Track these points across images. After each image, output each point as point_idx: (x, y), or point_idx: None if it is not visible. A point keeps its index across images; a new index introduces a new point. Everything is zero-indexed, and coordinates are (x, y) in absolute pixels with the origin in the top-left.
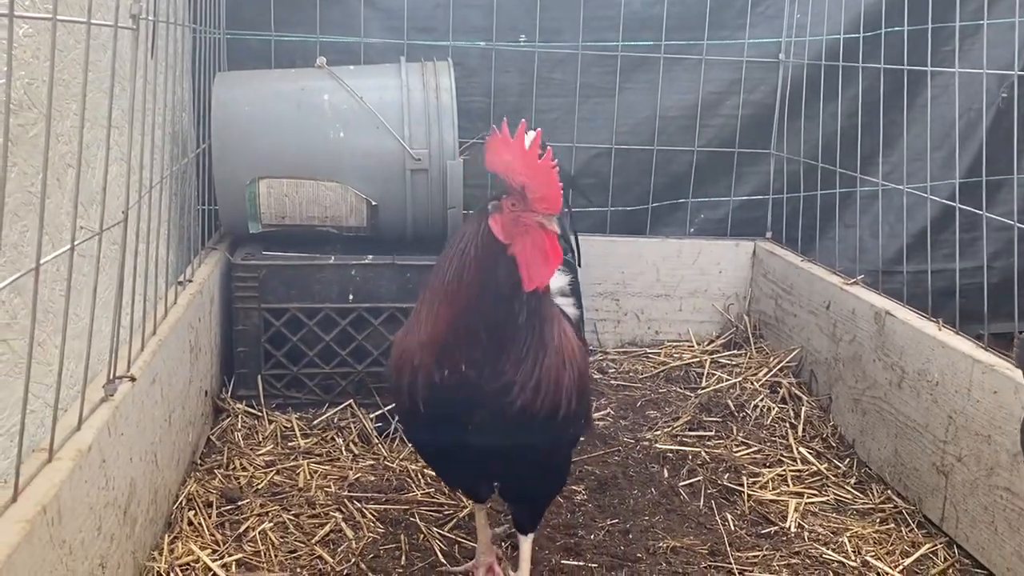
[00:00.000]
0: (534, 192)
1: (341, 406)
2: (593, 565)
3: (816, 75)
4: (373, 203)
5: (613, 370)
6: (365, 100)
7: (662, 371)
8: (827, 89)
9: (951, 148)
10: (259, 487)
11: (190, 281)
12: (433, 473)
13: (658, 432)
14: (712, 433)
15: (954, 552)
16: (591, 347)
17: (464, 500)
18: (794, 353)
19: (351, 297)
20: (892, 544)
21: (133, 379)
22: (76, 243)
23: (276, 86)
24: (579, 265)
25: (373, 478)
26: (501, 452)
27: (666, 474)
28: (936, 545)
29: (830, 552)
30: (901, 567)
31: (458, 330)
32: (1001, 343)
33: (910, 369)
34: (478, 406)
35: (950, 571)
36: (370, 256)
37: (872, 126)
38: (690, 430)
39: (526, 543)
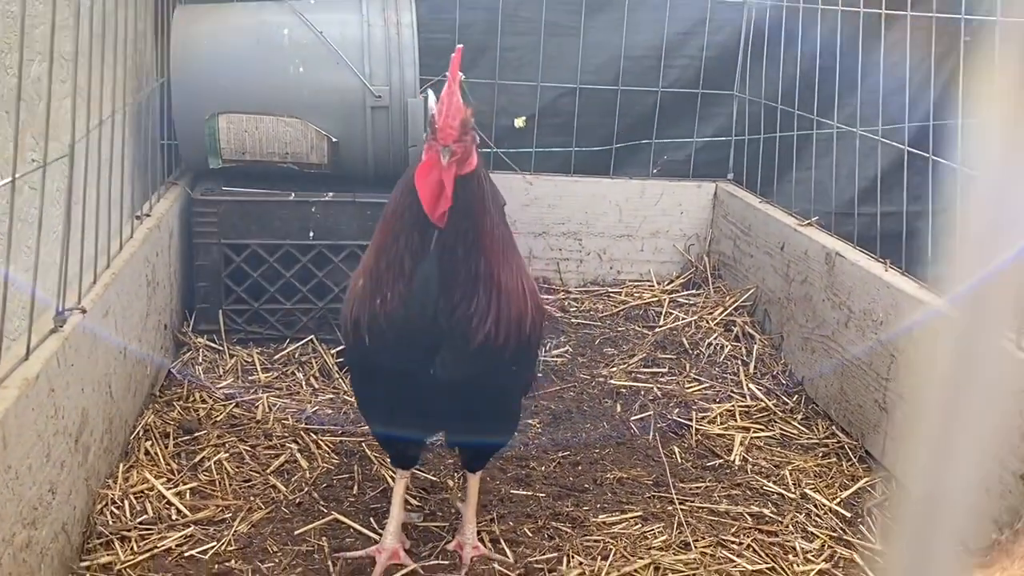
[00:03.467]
0: (435, 121)
1: (302, 341)
2: (541, 495)
3: (779, 17)
4: (334, 140)
5: (574, 308)
6: (325, 35)
7: (622, 310)
8: (790, 31)
9: (912, 93)
10: (218, 419)
11: (148, 216)
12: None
13: (614, 369)
14: (665, 370)
15: (892, 486)
16: (552, 286)
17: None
18: (749, 293)
19: (311, 234)
20: (832, 477)
21: (84, 311)
22: (17, 176)
23: (236, 20)
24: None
25: (331, 411)
26: (460, 391)
27: (619, 409)
28: (875, 479)
29: (771, 484)
30: (839, 499)
31: (385, 259)
32: None
33: (857, 308)
34: (436, 343)
35: (887, 503)
36: (331, 193)
37: (833, 70)
38: (644, 367)
39: (474, 479)
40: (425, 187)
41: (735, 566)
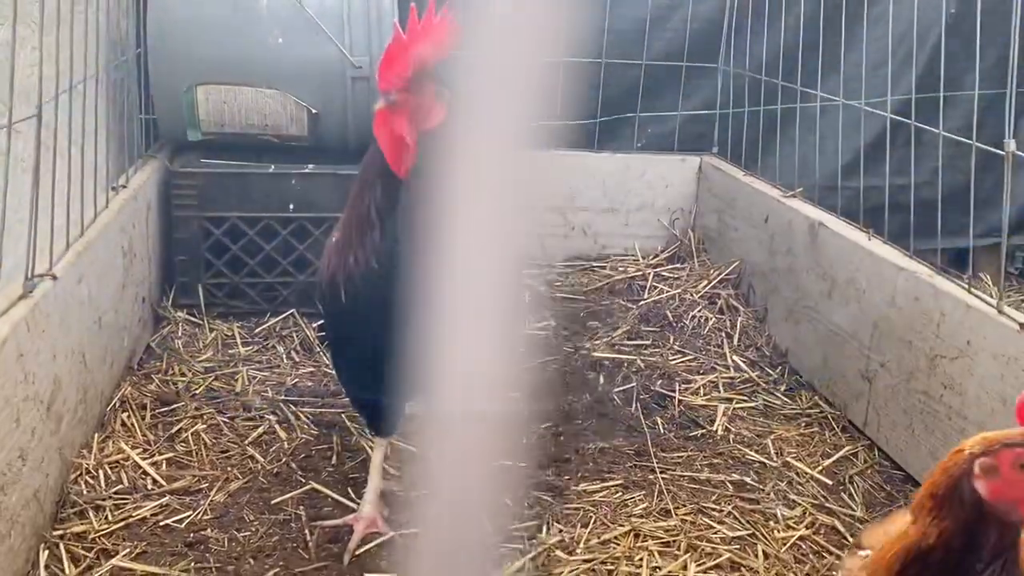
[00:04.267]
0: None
1: (284, 315)
2: (522, 464)
3: None
4: (313, 111)
5: (559, 283)
6: (304, 4)
7: (606, 284)
8: (775, 3)
9: (896, 65)
10: (196, 392)
11: (124, 187)
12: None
13: (597, 342)
14: (649, 343)
15: (874, 454)
16: (537, 261)
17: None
18: (734, 265)
19: (292, 207)
20: (814, 446)
21: (55, 277)
22: None
23: None
24: None
25: (311, 384)
26: None
27: (602, 381)
28: (857, 447)
29: (752, 453)
30: (820, 467)
31: (356, 212)
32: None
33: (840, 278)
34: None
35: (868, 471)
36: (311, 165)
37: (818, 42)
38: (628, 340)
39: None
40: (381, 138)
41: (715, 532)
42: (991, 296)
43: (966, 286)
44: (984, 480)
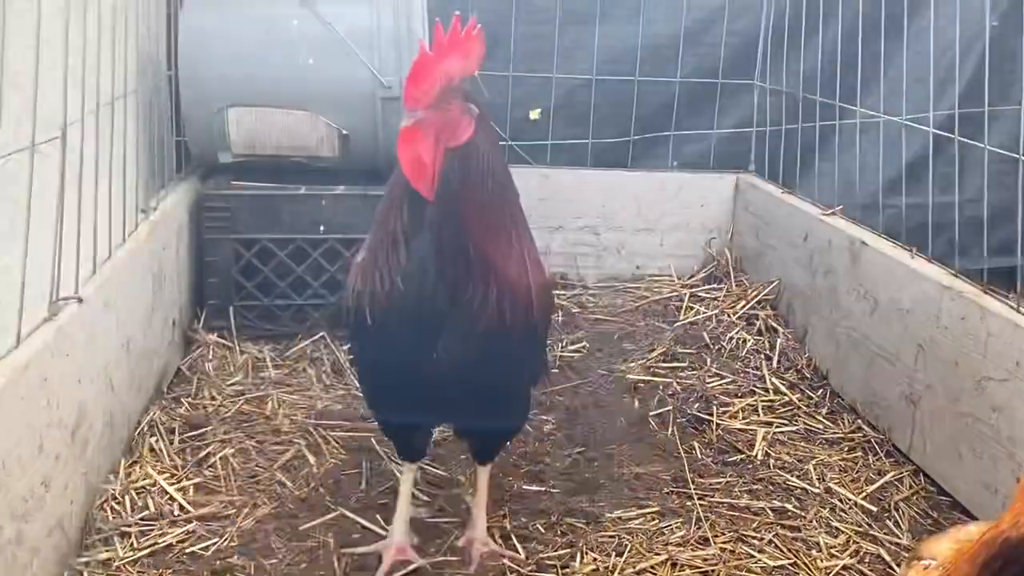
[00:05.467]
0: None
1: (315, 338)
2: (555, 491)
3: (800, 3)
4: (344, 132)
5: (592, 304)
6: (335, 26)
7: (641, 305)
8: (812, 18)
9: (938, 79)
10: (226, 416)
11: (155, 210)
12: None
13: (632, 364)
14: (685, 364)
15: (920, 480)
16: (571, 281)
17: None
18: (772, 285)
19: (322, 228)
20: (857, 472)
21: (80, 300)
22: (7, 155)
23: (245, 11)
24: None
25: (341, 407)
26: (464, 376)
27: (636, 404)
28: (902, 473)
29: (794, 479)
30: (864, 494)
31: (382, 232)
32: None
33: (883, 298)
34: (438, 325)
35: (914, 498)
36: (342, 186)
37: (857, 58)
38: (664, 362)
39: (484, 472)
40: (405, 156)
41: (755, 561)
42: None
43: (1014, 305)
44: None
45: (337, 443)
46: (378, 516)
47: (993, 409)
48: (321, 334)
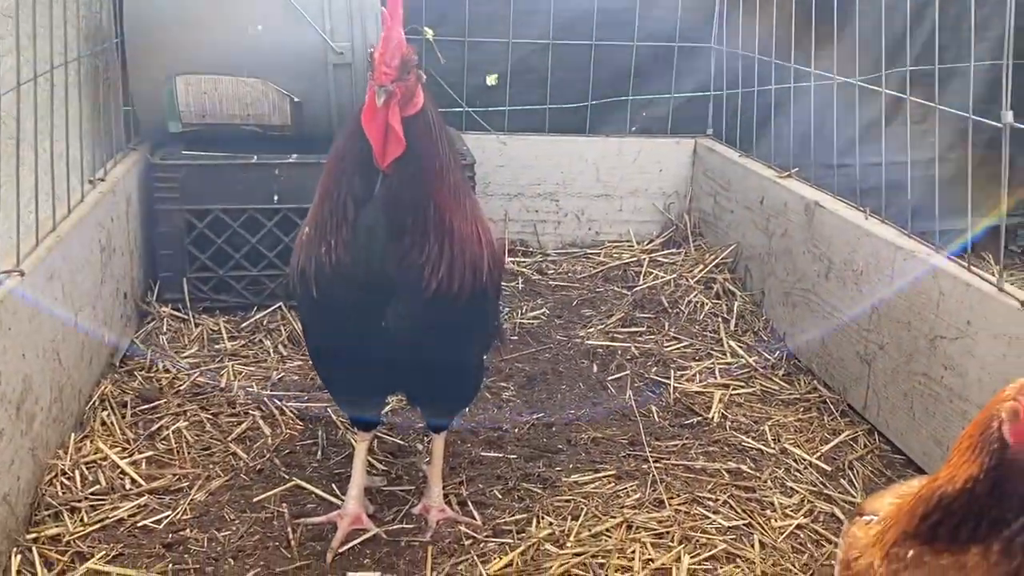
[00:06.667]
0: (373, 61)
1: (271, 308)
2: (512, 456)
3: None
4: (296, 100)
5: (552, 271)
6: None
7: (600, 271)
8: None
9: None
10: (180, 388)
11: (102, 180)
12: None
13: (591, 329)
14: (644, 329)
15: (874, 439)
16: (530, 248)
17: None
18: (730, 249)
19: (276, 198)
20: (813, 432)
21: (22, 273)
22: None
23: None
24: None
25: (297, 378)
26: (414, 345)
27: (595, 369)
28: (857, 432)
29: (749, 440)
30: (819, 454)
31: (329, 205)
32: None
33: (837, 259)
34: (387, 293)
35: (868, 457)
36: (294, 155)
37: (813, 20)
38: (623, 327)
39: (439, 440)
40: (373, 130)
41: (710, 522)
42: (992, 275)
43: (965, 264)
44: (1009, 425)
45: (293, 414)
46: (333, 486)
47: (945, 367)
48: (277, 305)
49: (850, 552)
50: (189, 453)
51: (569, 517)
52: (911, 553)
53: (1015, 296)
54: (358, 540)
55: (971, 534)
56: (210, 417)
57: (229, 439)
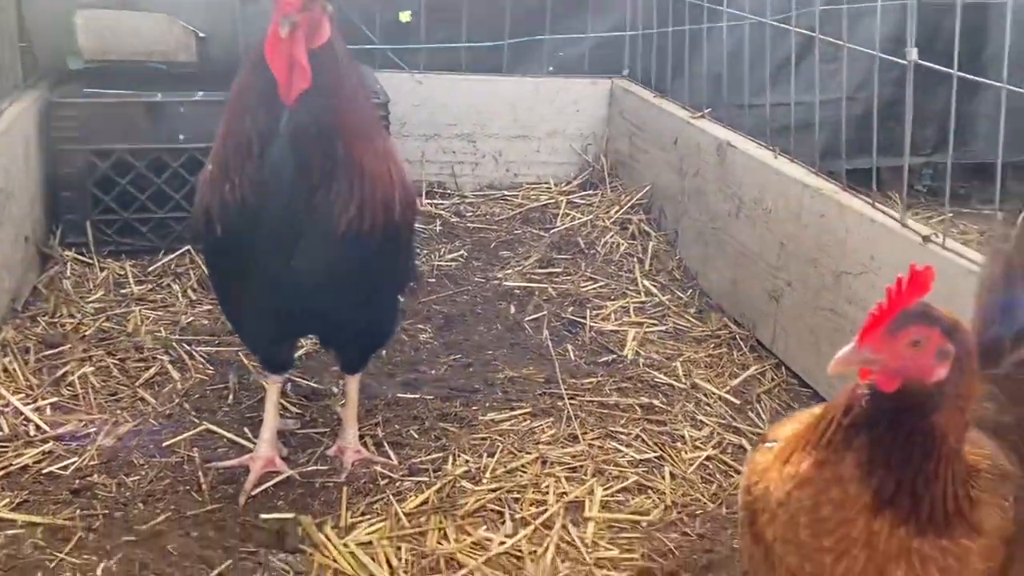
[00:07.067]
0: None
1: (179, 252)
2: (429, 397)
3: None
4: (201, 35)
5: (470, 213)
6: None
7: (519, 213)
8: None
9: None
10: (85, 334)
11: None
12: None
13: (508, 271)
14: (561, 270)
15: (782, 373)
16: (448, 190)
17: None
18: (645, 190)
19: (182, 137)
20: (722, 367)
21: None
22: None
23: None
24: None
25: (207, 322)
26: (325, 285)
27: (513, 310)
28: (765, 367)
29: (662, 376)
30: (728, 388)
31: (233, 142)
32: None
33: (747, 198)
34: (295, 232)
35: (776, 390)
36: (201, 93)
37: None
38: (540, 268)
39: (353, 381)
40: (277, 63)
41: (623, 456)
42: (896, 212)
43: (871, 201)
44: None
45: (203, 358)
46: (245, 430)
47: (850, 302)
48: (185, 248)
49: (751, 477)
50: (95, 399)
51: (485, 454)
52: (801, 469)
53: (917, 231)
54: (271, 483)
55: (847, 443)
56: (117, 363)
57: (137, 384)
